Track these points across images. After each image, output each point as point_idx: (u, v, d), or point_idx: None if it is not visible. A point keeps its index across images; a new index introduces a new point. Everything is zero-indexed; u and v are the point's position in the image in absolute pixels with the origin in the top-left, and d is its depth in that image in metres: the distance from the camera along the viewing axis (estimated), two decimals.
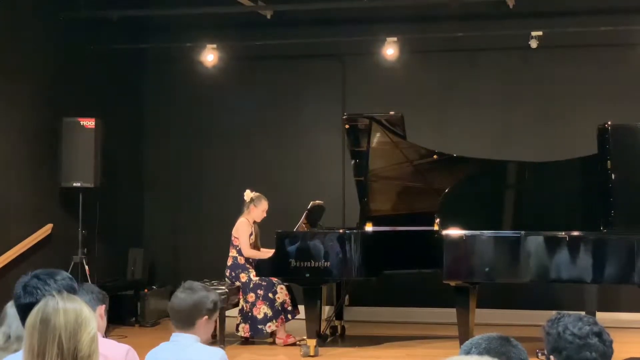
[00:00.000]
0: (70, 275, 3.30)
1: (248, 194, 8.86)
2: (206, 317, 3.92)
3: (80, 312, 2.67)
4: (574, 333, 2.72)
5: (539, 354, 2.82)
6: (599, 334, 2.73)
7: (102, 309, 3.88)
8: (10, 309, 3.36)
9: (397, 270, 8.40)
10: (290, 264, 8.11)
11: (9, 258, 8.38)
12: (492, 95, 10.16)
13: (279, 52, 10.56)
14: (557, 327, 2.75)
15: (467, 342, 2.62)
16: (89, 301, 3.66)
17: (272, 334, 8.71)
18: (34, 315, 2.67)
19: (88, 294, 3.80)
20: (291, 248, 8.13)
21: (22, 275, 3.28)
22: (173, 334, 3.86)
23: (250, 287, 8.64)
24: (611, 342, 2.76)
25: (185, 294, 3.85)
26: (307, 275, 8.06)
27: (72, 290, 3.12)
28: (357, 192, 8.85)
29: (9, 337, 3.39)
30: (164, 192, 10.90)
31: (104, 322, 3.95)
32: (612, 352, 2.75)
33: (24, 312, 2.94)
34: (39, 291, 3.09)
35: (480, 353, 2.52)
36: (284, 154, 10.58)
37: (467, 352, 2.56)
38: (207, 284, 8.44)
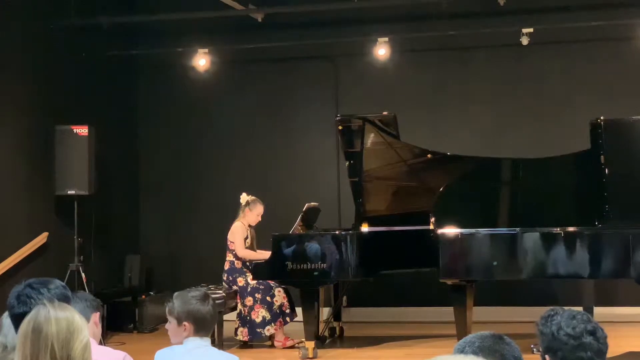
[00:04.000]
0: (64, 284, 3.30)
1: (244, 198, 8.86)
2: None
3: (72, 320, 2.67)
4: (568, 333, 2.71)
5: (534, 350, 2.80)
6: (593, 332, 2.72)
7: (96, 316, 3.88)
8: (6, 319, 3.36)
9: (394, 270, 8.41)
10: (287, 266, 8.11)
11: (5, 267, 8.37)
12: (485, 92, 10.17)
13: (271, 54, 10.57)
14: (550, 327, 2.74)
15: (460, 341, 2.62)
16: (83, 309, 3.66)
17: (271, 337, 8.71)
18: (25, 324, 2.67)
19: (82, 301, 3.81)
20: (287, 251, 8.13)
21: (17, 284, 3.28)
22: (187, 338, 3.89)
23: (248, 290, 8.64)
24: (605, 337, 2.75)
25: (207, 302, 3.94)
26: (304, 277, 8.06)
27: (65, 299, 3.13)
28: (352, 193, 8.85)
29: (5, 346, 3.39)
30: (160, 198, 10.89)
31: (99, 330, 3.95)
32: (607, 348, 2.74)
33: (17, 321, 2.94)
34: (32, 300, 3.09)
35: (473, 351, 2.53)
36: (279, 156, 10.58)
37: (461, 351, 2.56)
38: (205, 288, 8.46)
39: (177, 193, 10.84)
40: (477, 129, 10.08)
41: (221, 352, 3.94)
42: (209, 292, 8.28)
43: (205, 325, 3.91)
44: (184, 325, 3.87)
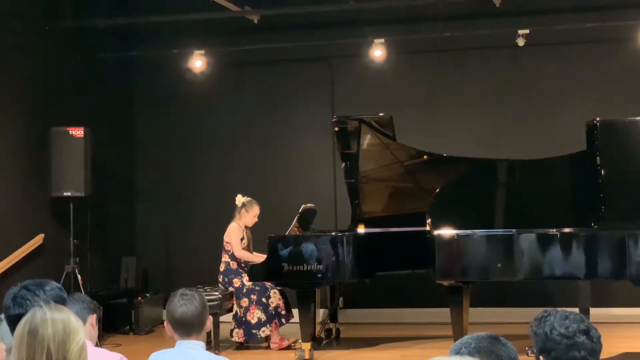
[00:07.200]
0: (60, 286, 3.30)
1: (239, 199, 8.86)
2: (210, 316, 3.94)
3: (68, 322, 2.67)
4: (561, 333, 2.72)
5: (529, 352, 2.81)
6: (586, 332, 2.73)
7: (93, 318, 3.87)
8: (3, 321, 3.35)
9: (390, 271, 8.41)
10: (283, 268, 8.11)
11: (1, 269, 8.36)
12: (481, 94, 10.18)
13: (267, 56, 10.57)
14: (543, 327, 2.75)
15: (457, 342, 2.63)
16: (80, 311, 3.65)
17: (267, 338, 8.70)
18: (21, 326, 2.67)
19: (79, 303, 3.80)
20: (283, 252, 8.12)
21: (12, 286, 3.28)
22: (179, 341, 3.77)
23: (244, 292, 8.64)
24: (599, 337, 2.76)
25: (189, 302, 3.74)
26: (300, 278, 8.06)
27: (61, 301, 3.13)
28: (348, 194, 8.85)
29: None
30: (155, 199, 10.89)
31: (95, 332, 3.94)
32: (600, 347, 2.75)
33: (13, 323, 2.94)
34: (28, 302, 3.09)
35: (470, 353, 2.53)
36: (275, 158, 10.57)
37: (457, 352, 2.57)
38: (201, 289, 8.45)
39: (173, 194, 10.83)
40: (473, 130, 10.08)
41: (211, 354, 3.84)
42: (205, 293, 8.31)
43: (181, 328, 3.72)
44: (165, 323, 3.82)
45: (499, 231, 7.86)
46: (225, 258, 8.80)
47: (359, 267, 8.08)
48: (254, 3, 10.08)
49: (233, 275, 8.74)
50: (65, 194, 9.01)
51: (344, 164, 8.77)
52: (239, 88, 10.68)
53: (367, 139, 8.62)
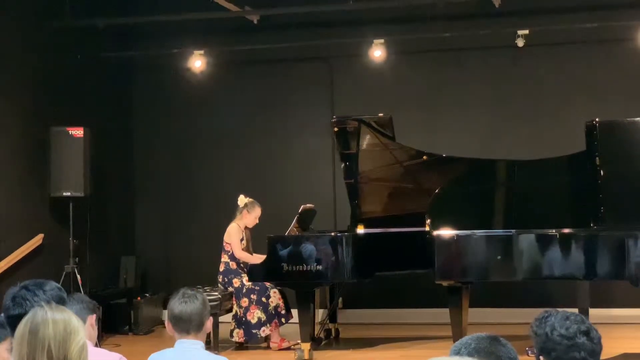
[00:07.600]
0: (59, 286, 3.31)
1: (242, 200, 8.86)
2: (211, 317, 3.96)
3: (68, 322, 2.68)
4: (561, 334, 2.72)
5: (529, 352, 2.82)
6: (587, 333, 2.73)
7: (92, 318, 3.88)
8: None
9: (390, 272, 8.40)
10: (283, 268, 8.11)
11: (0, 269, 8.36)
12: (480, 94, 10.18)
13: (267, 56, 10.57)
14: (544, 328, 2.76)
15: (456, 342, 2.63)
16: (79, 311, 3.65)
17: (267, 338, 8.71)
18: (22, 326, 2.68)
19: (78, 303, 3.80)
20: (283, 252, 8.12)
21: (12, 286, 3.28)
22: (178, 340, 3.80)
23: (244, 292, 8.64)
24: (599, 338, 2.76)
25: (190, 301, 3.80)
26: (300, 279, 8.06)
27: (61, 301, 3.13)
28: (347, 194, 8.85)
29: None
30: (155, 199, 10.89)
31: (95, 332, 3.95)
32: (601, 348, 2.75)
33: (13, 323, 2.94)
34: (27, 302, 3.09)
35: (469, 353, 2.53)
36: (274, 158, 10.58)
37: (457, 353, 2.57)
38: (200, 290, 8.45)
39: (172, 194, 10.83)
40: (472, 131, 10.08)
41: (210, 354, 3.86)
42: (204, 293, 8.30)
43: (180, 324, 3.76)
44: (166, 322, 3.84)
45: (499, 231, 7.86)
46: (224, 258, 8.80)
47: (358, 268, 8.08)
48: (253, 3, 10.08)
49: (233, 276, 8.74)
50: (64, 193, 9.01)
51: (343, 164, 8.77)
52: (238, 88, 10.68)
53: (366, 139, 8.62)
